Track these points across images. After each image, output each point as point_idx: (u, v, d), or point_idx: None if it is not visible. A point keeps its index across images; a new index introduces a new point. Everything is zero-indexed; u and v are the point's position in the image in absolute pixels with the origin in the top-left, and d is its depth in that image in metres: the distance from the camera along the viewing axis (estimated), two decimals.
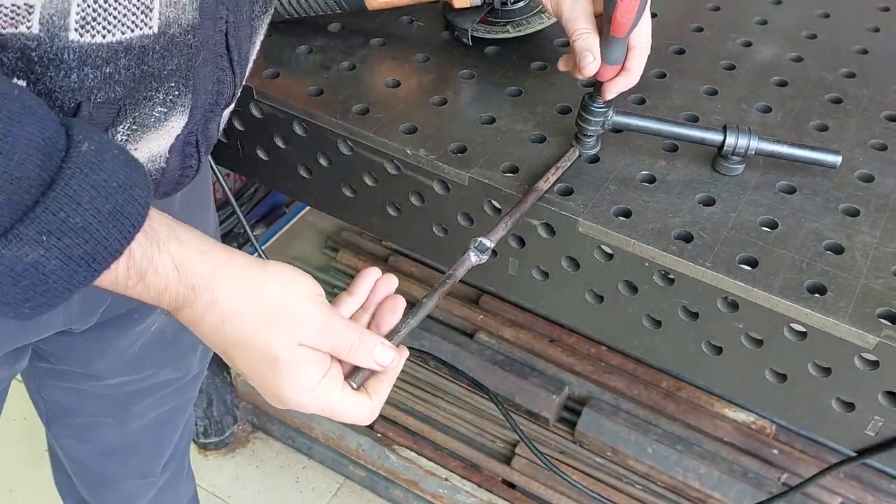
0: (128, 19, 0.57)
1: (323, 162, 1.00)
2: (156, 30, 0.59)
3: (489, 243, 0.77)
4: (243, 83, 0.75)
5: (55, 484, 1.32)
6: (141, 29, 0.58)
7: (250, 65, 0.76)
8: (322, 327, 0.63)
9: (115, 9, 0.57)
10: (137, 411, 1.09)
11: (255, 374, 0.64)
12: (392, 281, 0.72)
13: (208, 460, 1.88)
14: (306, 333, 0.63)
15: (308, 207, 2.22)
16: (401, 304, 0.70)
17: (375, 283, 0.71)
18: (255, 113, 1.01)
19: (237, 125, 1.04)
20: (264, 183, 1.11)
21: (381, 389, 0.67)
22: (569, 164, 0.88)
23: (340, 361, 0.66)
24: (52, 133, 0.52)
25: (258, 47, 0.77)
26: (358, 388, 0.67)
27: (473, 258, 0.76)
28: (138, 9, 0.57)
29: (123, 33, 0.58)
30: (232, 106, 0.77)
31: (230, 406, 1.86)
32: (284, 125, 0.99)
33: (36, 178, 0.51)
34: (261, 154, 1.05)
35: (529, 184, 0.86)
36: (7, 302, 0.54)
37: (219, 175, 1.00)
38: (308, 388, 0.63)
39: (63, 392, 1.05)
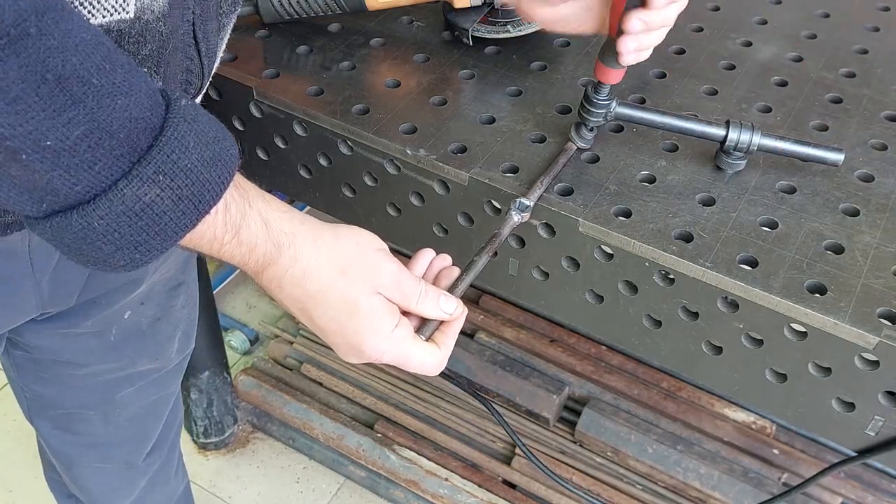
0: (108, 3, 0.60)
1: (323, 162, 1.00)
2: (132, 14, 0.62)
3: (529, 202, 0.83)
4: (211, 75, 0.78)
5: (46, 482, 1.33)
6: (119, 13, 0.61)
7: (218, 58, 0.79)
8: (394, 275, 0.68)
9: None
10: (119, 403, 1.10)
11: (332, 326, 0.68)
12: (446, 259, 0.76)
13: (208, 460, 1.88)
14: (381, 281, 0.67)
15: (308, 207, 2.22)
16: (455, 271, 0.75)
17: (431, 262, 0.76)
18: (255, 113, 1.01)
19: (237, 125, 1.04)
20: (264, 183, 1.11)
21: (448, 341, 0.72)
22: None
23: (408, 317, 0.70)
24: (154, 87, 0.57)
25: (225, 43, 0.80)
26: (427, 340, 0.71)
27: (516, 217, 0.82)
28: None
29: (104, 17, 0.61)
30: (200, 97, 0.80)
31: (230, 406, 1.86)
32: (284, 125, 0.99)
33: (149, 122, 0.56)
34: (261, 154, 1.05)
35: (529, 183, 0.86)
36: (122, 246, 0.57)
37: None
38: (385, 334, 0.67)
39: (42, 383, 1.06)
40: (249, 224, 0.63)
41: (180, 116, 0.57)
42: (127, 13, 0.61)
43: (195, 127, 0.58)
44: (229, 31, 0.80)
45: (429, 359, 0.70)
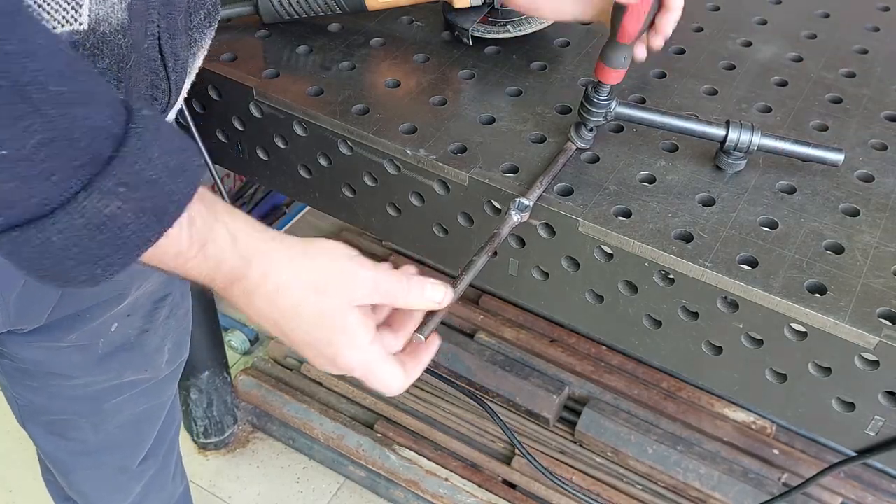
0: (59, 14, 0.58)
1: (323, 162, 1.00)
2: (86, 26, 0.60)
3: (528, 202, 0.83)
4: (183, 91, 0.76)
5: (44, 484, 1.33)
6: (71, 24, 0.59)
7: (192, 74, 0.76)
8: (373, 281, 0.66)
9: (47, 3, 0.57)
10: (109, 411, 1.09)
11: (308, 339, 0.66)
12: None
13: (208, 460, 1.88)
14: (357, 294, 0.66)
15: (308, 207, 2.22)
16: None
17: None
18: (255, 113, 1.01)
19: (237, 125, 1.04)
20: (264, 183, 1.11)
21: (414, 371, 0.70)
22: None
23: (400, 319, 0.70)
24: (116, 97, 0.55)
25: (201, 59, 0.78)
26: (426, 339, 0.70)
27: (515, 217, 0.82)
28: (69, 4, 0.58)
29: (54, 28, 0.58)
30: (173, 112, 0.77)
31: (230, 406, 1.86)
32: (284, 125, 0.99)
33: (110, 131, 0.53)
34: (261, 154, 1.05)
35: (528, 183, 0.86)
36: (83, 261, 0.55)
37: (216, 178, 1.00)
38: (359, 346, 0.66)
39: (31, 391, 1.05)
40: (216, 238, 0.61)
41: (144, 126, 0.55)
42: (80, 24, 0.59)
43: (157, 136, 0.55)
44: (205, 47, 0.78)
45: (394, 382, 0.68)
